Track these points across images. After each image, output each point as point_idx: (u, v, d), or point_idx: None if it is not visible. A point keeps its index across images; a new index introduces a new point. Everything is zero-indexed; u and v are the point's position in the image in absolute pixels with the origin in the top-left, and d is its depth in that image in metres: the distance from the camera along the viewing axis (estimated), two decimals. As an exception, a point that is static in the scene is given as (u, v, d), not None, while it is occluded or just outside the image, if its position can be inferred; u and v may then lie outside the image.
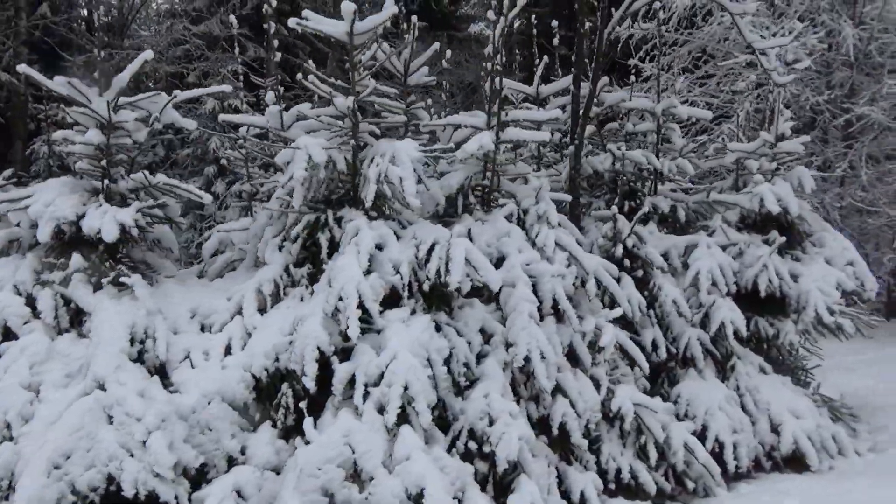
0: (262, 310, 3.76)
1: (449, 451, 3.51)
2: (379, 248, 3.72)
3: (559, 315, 4.08)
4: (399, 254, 3.68)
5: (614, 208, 4.78)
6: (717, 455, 4.29)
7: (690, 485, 4.06)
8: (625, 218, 5.08)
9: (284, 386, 3.50)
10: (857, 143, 10.44)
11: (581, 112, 5.07)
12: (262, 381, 3.52)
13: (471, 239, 4.17)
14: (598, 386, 4.05)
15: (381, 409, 3.32)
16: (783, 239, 5.19)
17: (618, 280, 4.64)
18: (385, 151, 3.84)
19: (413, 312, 3.67)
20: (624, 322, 4.63)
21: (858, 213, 10.95)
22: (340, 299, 3.46)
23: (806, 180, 5.42)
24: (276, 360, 3.52)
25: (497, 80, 4.39)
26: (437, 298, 3.81)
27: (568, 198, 4.67)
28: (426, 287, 3.70)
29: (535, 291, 4.04)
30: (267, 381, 3.52)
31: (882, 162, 10.86)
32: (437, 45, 5.19)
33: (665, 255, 5.10)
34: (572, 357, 4.10)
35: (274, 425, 3.46)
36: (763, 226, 5.45)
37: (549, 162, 5.93)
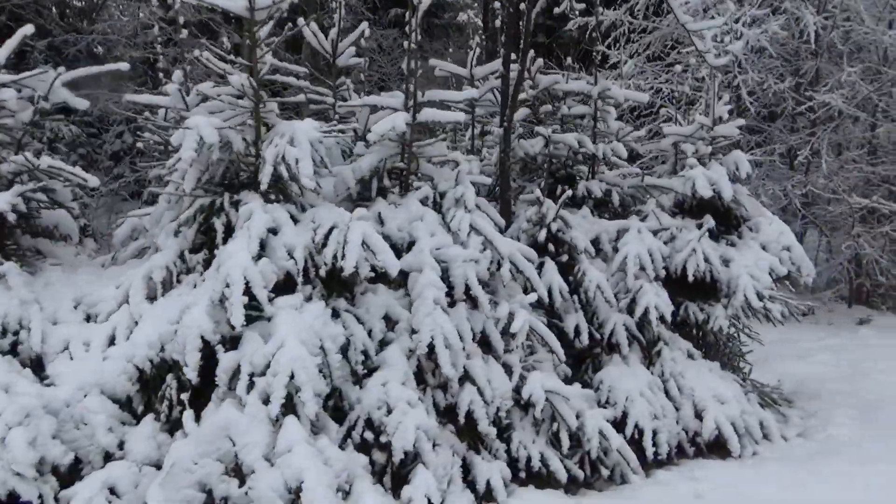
0: (153, 298, 3.61)
1: (344, 441, 3.39)
2: (273, 232, 3.58)
3: (473, 301, 3.97)
4: (293, 238, 3.54)
5: (537, 191, 4.66)
6: (638, 442, 4.20)
7: (605, 472, 3.96)
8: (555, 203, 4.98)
9: (169, 377, 3.35)
10: (820, 130, 10.38)
11: (511, 94, 4.93)
12: (147, 373, 3.37)
13: (382, 222, 4.06)
14: (510, 373, 3.93)
15: (267, 400, 3.19)
16: (712, 223, 5.09)
17: (540, 265, 4.53)
18: (284, 132, 3.70)
19: (309, 299, 3.54)
20: (549, 308, 4.54)
21: (827, 202, 10.91)
22: (227, 286, 3.32)
23: (742, 164, 5.31)
24: (162, 350, 3.37)
25: (413, 60, 4.25)
26: (338, 284, 3.67)
27: (488, 180, 4.53)
28: (322, 273, 3.56)
29: (447, 276, 3.93)
30: (152, 372, 3.38)
31: (844, 151, 10.81)
32: (365, 25, 5.03)
33: (596, 240, 4.99)
34: (485, 343, 3.98)
35: (158, 418, 3.32)
36: (699, 211, 5.34)
37: (491, 145, 5.79)
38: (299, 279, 3.51)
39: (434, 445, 3.53)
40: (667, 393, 4.49)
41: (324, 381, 3.30)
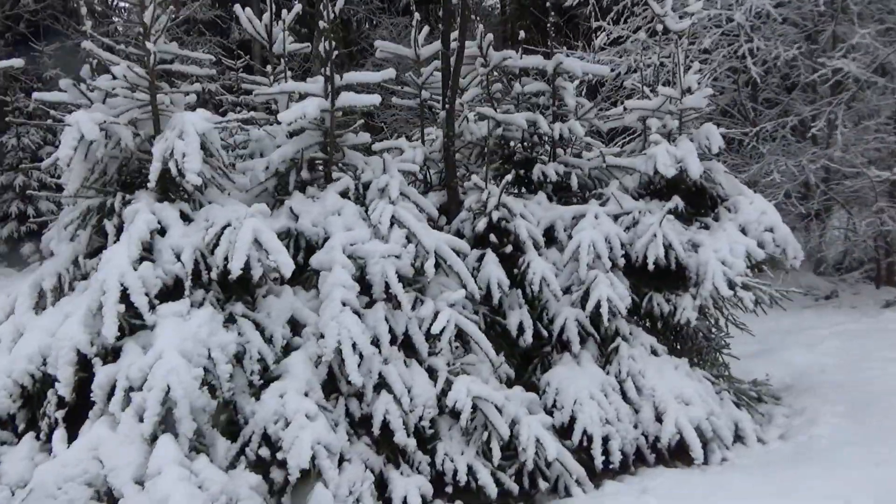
0: (44, 307, 3.38)
1: (237, 459, 3.12)
2: (162, 233, 3.31)
3: (395, 299, 3.64)
4: (180, 240, 3.26)
5: (475, 178, 4.30)
6: (588, 450, 3.83)
7: (544, 484, 3.60)
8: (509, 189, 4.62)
9: (50, 393, 3.12)
10: (836, 99, 9.69)
11: (451, 73, 4.56)
12: (29, 389, 3.15)
13: (296, 218, 3.76)
14: (436, 378, 3.61)
15: (143, 417, 2.93)
16: (679, 204, 4.67)
17: (481, 257, 4.19)
18: (175, 125, 3.42)
19: (201, 304, 3.26)
20: (493, 305, 4.19)
21: (845, 177, 10.21)
22: (104, 293, 3.07)
23: (714, 138, 4.84)
24: (44, 363, 3.14)
25: (330, 41, 3.93)
26: (238, 287, 3.39)
27: (415, 168, 4.19)
28: (215, 275, 3.28)
29: (364, 274, 3.62)
30: (36, 388, 3.16)
31: (862, 121, 10.08)
32: (298, 7, 4.73)
33: (551, 228, 4.61)
34: (409, 346, 3.66)
35: (38, 437, 3.09)
36: (668, 191, 4.91)
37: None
38: (188, 283, 3.24)
39: (342, 461, 3.24)
40: (624, 394, 4.10)
41: (206, 395, 3.02)
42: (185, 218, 3.39)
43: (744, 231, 4.84)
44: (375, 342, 3.39)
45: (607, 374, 4.16)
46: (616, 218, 4.63)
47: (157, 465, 2.78)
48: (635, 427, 4.04)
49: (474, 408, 3.53)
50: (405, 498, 3.28)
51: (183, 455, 2.86)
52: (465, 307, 4.05)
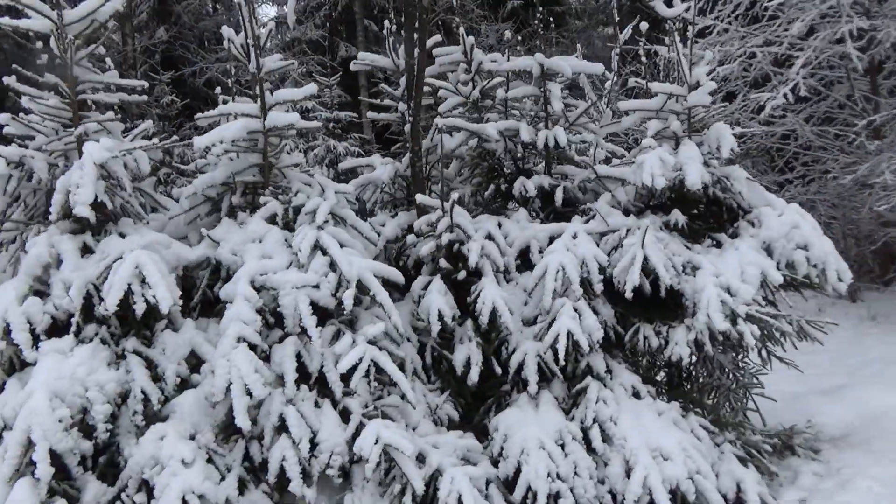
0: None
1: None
2: (58, 267, 3.24)
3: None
4: (71, 273, 3.18)
5: (421, 197, 3.90)
6: (535, 509, 3.32)
7: (466, 551, 3.14)
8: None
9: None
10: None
11: (414, 81, 4.21)
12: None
13: (217, 245, 3.59)
14: (349, 420, 3.27)
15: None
16: (668, 219, 4.00)
17: (426, 285, 3.79)
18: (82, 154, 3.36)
19: (91, 339, 3.15)
20: (444, 337, 3.79)
21: None
22: (-10, 329, 3.04)
23: (725, 141, 4.10)
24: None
25: (258, 58, 3.73)
26: (136, 321, 3.25)
27: (349, 189, 3.86)
28: (104, 310, 3.16)
29: (277, 306, 3.37)
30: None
31: None
32: (272, 25, 4.59)
33: (527, 250, 4.11)
34: (324, 384, 3.35)
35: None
36: (673, 204, 4.24)
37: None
38: (76, 318, 3.14)
39: (231, 511, 2.99)
40: (589, 444, 3.52)
41: (74, 437, 2.89)
42: (88, 250, 3.31)
43: (769, 249, 4.07)
44: (261, 382, 3.11)
45: (571, 419, 3.60)
46: (602, 236, 4.04)
47: (8, 510, 2.68)
48: (602, 483, 3.46)
49: (389, 457, 3.15)
50: (296, 556, 2.98)
51: (38, 500, 2.74)
52: (407, 340, 3.70)
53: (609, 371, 3.80)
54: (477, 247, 3.81)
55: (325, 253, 3.48)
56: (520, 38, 6.81)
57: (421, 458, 3.27)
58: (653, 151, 3.99)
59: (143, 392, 3.08)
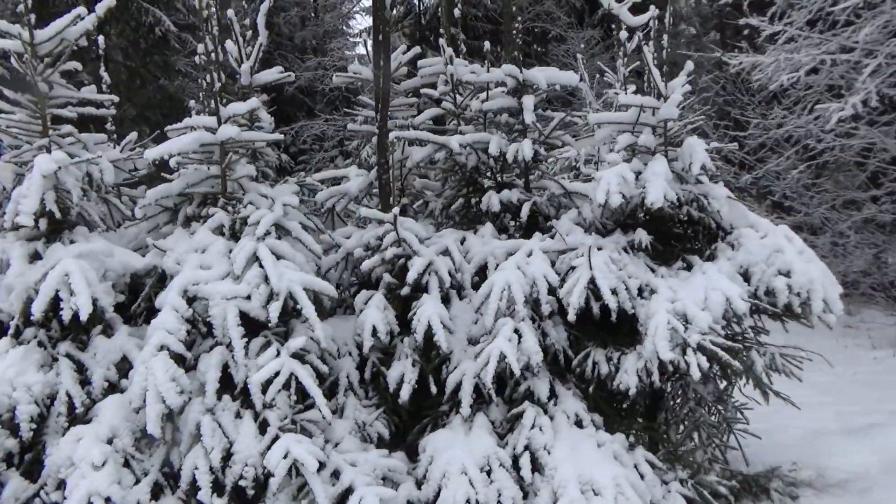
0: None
1: (30, 501, 3.11)
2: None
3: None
4: (15, 278, 3.37)
5: (366, 210, 3.86)
6: (452, 537, 3.20)
7: (370, 574, 3.07)
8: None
9: None
10: None
11: (381, 93, 4.19)
12: None
13: (163, 254, 3.71)
14: (266, 433, 3.28)
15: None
16: (643, 239, 3.77)
17: (368, 300, 3.75)
18: (38, 166, 3.57)
19: (29, 341, 3.33)
20: (387, 354, 3.75)
21: None
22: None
23: (696, 156, 3.81)
24: None
25: (215, 72, 3.84)
26: (74, 326, 3.41)
27: (293, 200, 3.87)
28: (38, 315, 3.33)
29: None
30: None
31: None
32: (263, 37, 4.71)
33: (484, 267, 3.99)
34: (248, 395, 3.38)
35: None
36: (648, 223, 4.00)
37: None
38: (16, 321, 3.33)
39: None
40: (519, 471, 3.36)
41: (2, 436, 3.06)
42: (38, 257, 3.50)
43: (747, 274, 3.76)
44: (179, 392, 3.17)
45: (504, 444, 3.46)
46: (562, 254, 3.86)
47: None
48: (524, 515, 3.30)
49: (298, 471, 3.14)
50: (197, 564, 3.02)
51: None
52: (348, 354, 3.68)
53: (554, 396, 3.62)
54: (421, 262, 3.74)
55: (261, 265, 3.52)
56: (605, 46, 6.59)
57: (337, 475, 3.24)
58: (614, 167, 3.78)
59: (67, 395, 3.23)
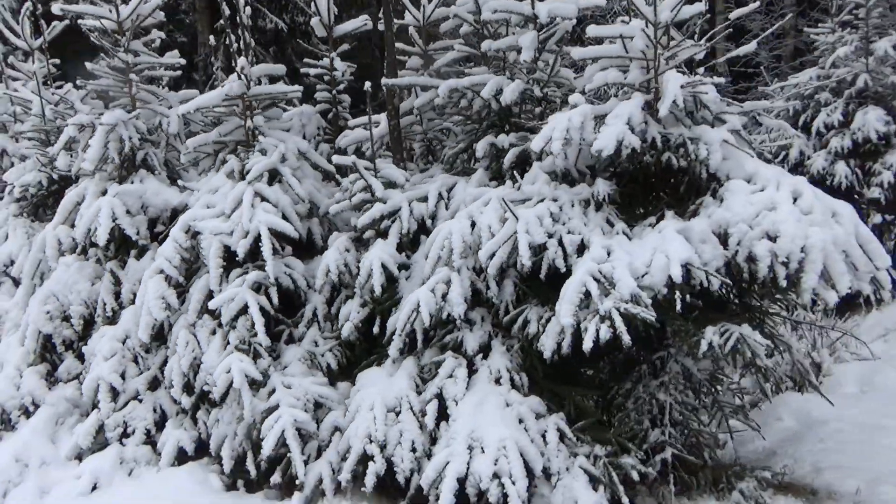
0: None
1: None
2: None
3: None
4: (85, 210, 4.37)
5: (337, 157, 4.04)
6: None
7: (275, 479, 3.51)
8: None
9: None
10: None
11: (386, 39, 4.28)
12: None
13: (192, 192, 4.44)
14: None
15: None
16: (602, 190, 3.39)
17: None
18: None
19: (89, 258, 4.35)
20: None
21: None
22: None
23: (667, 94, 3.22)
24: None
25: (243, 37, 4.35)
26: (122, 249, 4.34)
27: (303, 146, 4.22)
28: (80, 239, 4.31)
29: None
30: None
31: None
32: None
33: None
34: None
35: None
36: (631, 173, 3.54)
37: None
38: (81, 243, 4.35)
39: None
40: (424, 417, 3.43)
41: (54, 325, 4.15)
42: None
43: (724, 235, 3.18)
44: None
45: (422, 390, 3.54)
46: (524, 203, 3.65)
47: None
48: (429, 458, 3.38)
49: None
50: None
51: (27, 361, 4.09)
52: (319, 292, 4.05)
53: (486, 350, 3.55)
54: (379, 208, 3.88)
55: (252, 206, 4.03)
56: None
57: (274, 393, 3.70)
58: (564, 113, 3.41)
59: (103, 301, 4.18)
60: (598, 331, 2.96)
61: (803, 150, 8.68)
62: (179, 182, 4.52)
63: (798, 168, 8.63)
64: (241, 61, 4.22)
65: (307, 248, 4.23)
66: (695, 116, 3.55)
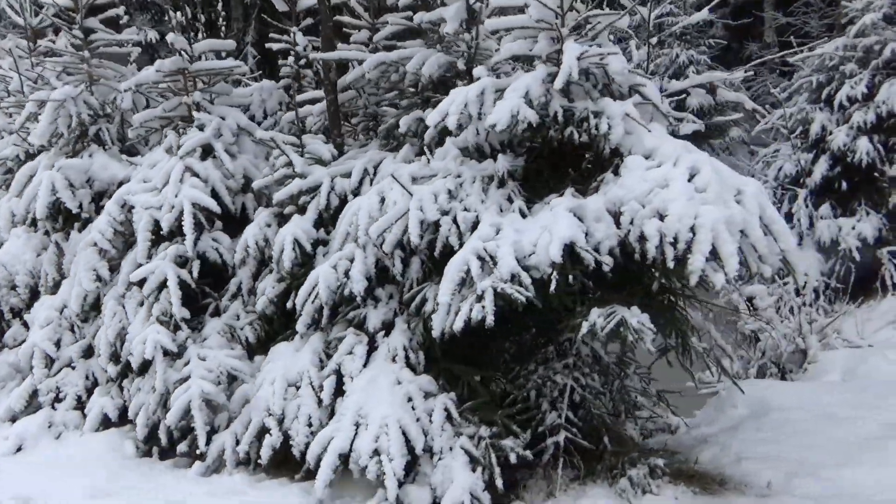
0: None
1: None
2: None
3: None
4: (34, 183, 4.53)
5: (261, 132, 4.03)
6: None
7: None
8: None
9: None
10: None
11: (322, 10, 4.23)
12: None
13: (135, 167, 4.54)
14: (152, 322, 3.95)
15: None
16: (480, 167, 3.26)
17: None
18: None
19: (38, 230, 4.51)
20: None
21: None
22: None
23: (563, 66, 3.05)
24: None
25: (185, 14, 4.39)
26: (68, 222, 4.48)
27: (242, 120, 4.26)
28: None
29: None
30: None
31: None
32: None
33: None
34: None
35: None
36: (540, 149, 3.41)
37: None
38: (31, 215, 4.51)
39: None
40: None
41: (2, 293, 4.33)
42: (57, 167, 4.63)
43: (618, 214, 3.04)
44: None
45: (325, 366, 3.53)
46: (431, 178, 3.57)
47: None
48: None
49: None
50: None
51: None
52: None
53: (389, 327, 3.51)
54: (297, 184, 3.87)
55: (181, 180, 4.09)
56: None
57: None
58: (461, 89, 3.29)
59: (45, 272, 4.33)
60: (471, 310, 2.89)
61: (825, 125, 8.19)
62: (124, 157, 4.61)
63: (819, 144, 8.18)
64: (171, 36, 4.25)
65: (241, 223, 4.26)
66: (611, 89, 3.38)
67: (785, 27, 14.04)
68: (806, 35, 12.98)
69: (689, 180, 2.92)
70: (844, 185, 7.74)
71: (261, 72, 7.31)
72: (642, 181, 2.97)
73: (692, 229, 2.80)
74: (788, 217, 8.19)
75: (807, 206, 7.99)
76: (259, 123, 4.97)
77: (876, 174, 7.52)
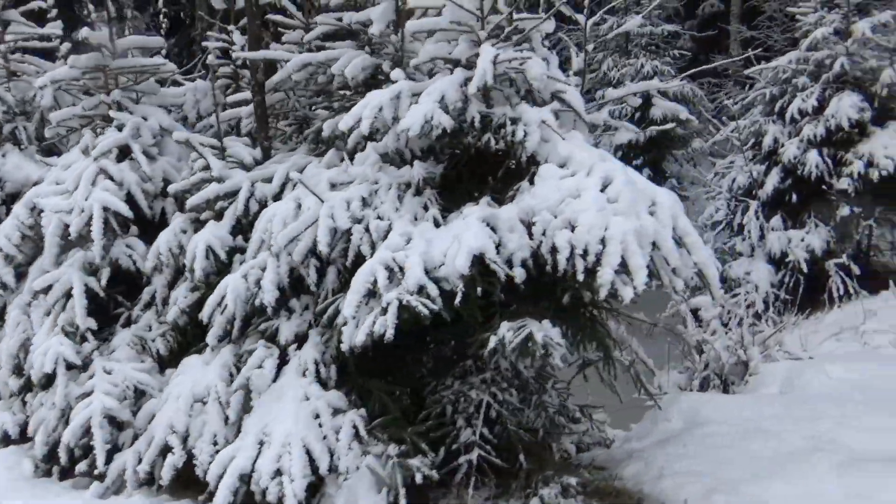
0: None
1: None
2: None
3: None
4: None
5: (178, 134, 3.87)
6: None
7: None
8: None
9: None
10: None
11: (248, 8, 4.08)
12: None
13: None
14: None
15: None
16: (398, 174, 3.14)
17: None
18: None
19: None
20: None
21: None
22: None
23: (478, 71, 2.95)
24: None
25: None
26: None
27: (164, 120, 4.11)
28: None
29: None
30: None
31: None
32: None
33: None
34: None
35: None
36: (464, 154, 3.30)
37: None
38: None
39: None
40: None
41: None
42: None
43: (530, 225, 2.93)
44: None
45: (233, 381, 3.37)
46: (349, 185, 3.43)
47: None
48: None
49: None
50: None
51: None
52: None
53: (303, 340, 3.36)
54: (214, 188, 3.71)
55: (94, 183, 3.90)
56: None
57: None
58: (381, 90, 3.17)
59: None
60: (374, 323, 2.76)
61: (777, 138, 8.23)
62: (37, 157, 4.41)
63: (771, 156, 8.22)
64: (85, 31, 4.06)
65: (159, 229, 4.06)
66: (534, 95, 3.28)
67: (749, 40, 14.21)
68: (769, 48, 13.13)
69: (603, 190, 2.82)
70: (795, 197, 7.78)
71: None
72: (556, 190, 2.87)
73: (602, 241, 2.70)
74: (740, 228, 8.25)
75: (758, 218, 8.02)
76: (193, 125, 4.80)
77: (824, 187, 7.56)
